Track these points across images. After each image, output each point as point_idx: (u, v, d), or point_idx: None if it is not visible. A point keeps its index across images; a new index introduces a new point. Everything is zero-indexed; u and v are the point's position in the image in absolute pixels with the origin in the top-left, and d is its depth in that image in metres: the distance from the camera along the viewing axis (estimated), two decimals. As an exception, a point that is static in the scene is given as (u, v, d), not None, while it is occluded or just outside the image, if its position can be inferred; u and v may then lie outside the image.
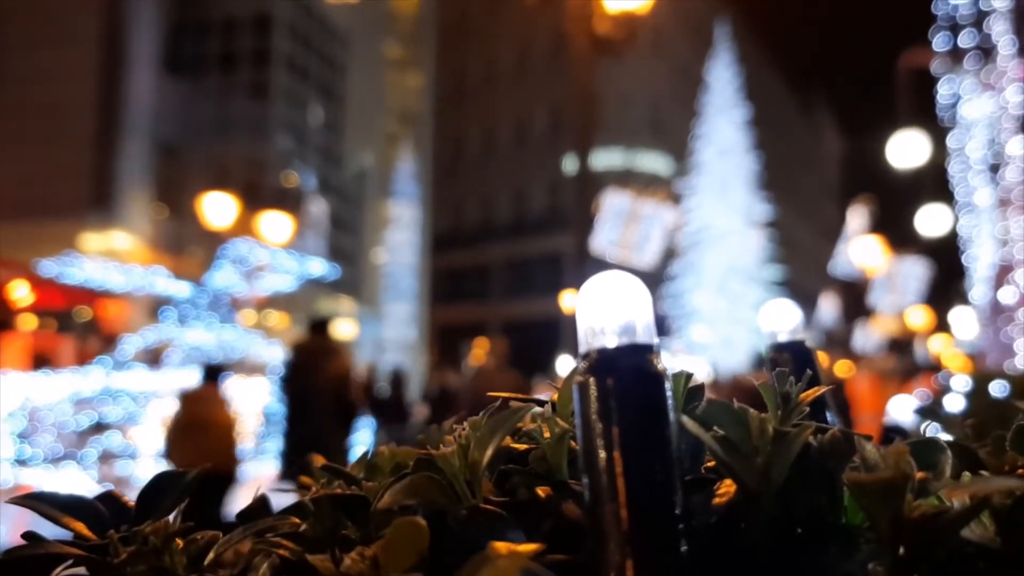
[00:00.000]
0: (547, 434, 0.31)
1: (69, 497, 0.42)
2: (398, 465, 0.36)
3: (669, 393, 0.26)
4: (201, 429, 5.10)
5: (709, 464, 0.29)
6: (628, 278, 0.29)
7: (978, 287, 13.48)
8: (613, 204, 13.24)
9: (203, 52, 21.42)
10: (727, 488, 0.28)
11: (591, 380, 0.28)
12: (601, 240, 12.80)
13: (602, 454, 0.26)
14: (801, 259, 42.66)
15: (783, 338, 0.46)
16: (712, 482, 0.28)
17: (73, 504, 0.42)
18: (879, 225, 21.36)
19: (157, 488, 0.40)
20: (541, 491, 0.29)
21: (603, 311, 0.28)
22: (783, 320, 0.47)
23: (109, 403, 9.00)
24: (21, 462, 7.93)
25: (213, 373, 5.51)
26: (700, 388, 0.31)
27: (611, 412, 0.26)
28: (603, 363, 0.27)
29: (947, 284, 30.41)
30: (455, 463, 0.31)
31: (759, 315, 0.45)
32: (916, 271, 18.98)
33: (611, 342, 0.27)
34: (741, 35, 40.11)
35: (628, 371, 0.27)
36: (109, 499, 0.43)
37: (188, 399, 5.36)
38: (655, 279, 28.20)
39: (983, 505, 0.29)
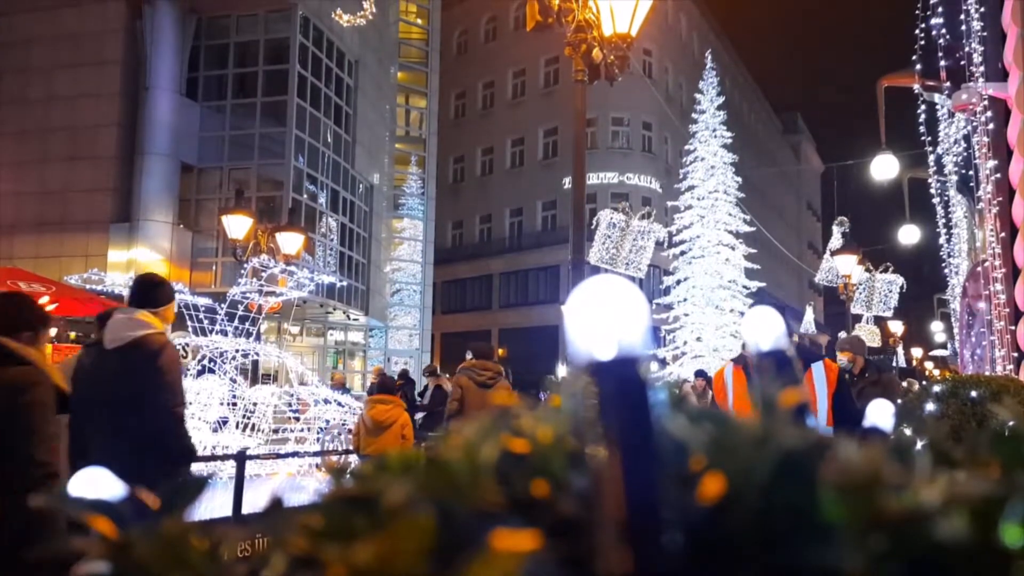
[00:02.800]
0: (545, 435, 0.31)
1: (93, 498, 0.42)
2: (407, 464, 0.36)
3: (657, 398, 0.27)
4: (381, 427, 6.14)
5: (696, 465, 0.30)
6: (620, 283, 0.29)
7: (955, 297, 13.49)
8: (607, 220, 13.28)
9: (221, 76, 21.47)
10: (712, 486, 0.28)
11: (585, 386, 0.28)
12: (596, 254, 12.83)
13: (595, 455, 0.26)
14: (785, 271, 42.69)
15: (766, 346, 0.46)
16: (698, 481, 0.28)
17: (96, 505, 0.42)
18: (860, 238, 21.40)
19: (178, 489, 0.40)
20: (540, 488, 0.29)
21: (594, 317, 0.28)
22: (766, 329, 0.47)
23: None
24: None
25: (387, 384, 6.76)
26: (688, 394, 0.31)
27: (602, 417, 0.27)
28: (594, 370, 0.28)
29: (925, 294, 30.45)
30: (460, 462, 0.31)
31: (743, 324, 0.45)
32: (895, 283, 19.00)
33: (601, 349, 0.28)
34: (727, 61, 40.30)
35: (618, 379, 0.27)
36: (132, 500, 0.43)
37: (371, 404, 6.43)
38: (646, 291, 28.19)
39: (957, 504, 0.29)
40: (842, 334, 20.15)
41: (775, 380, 0.42)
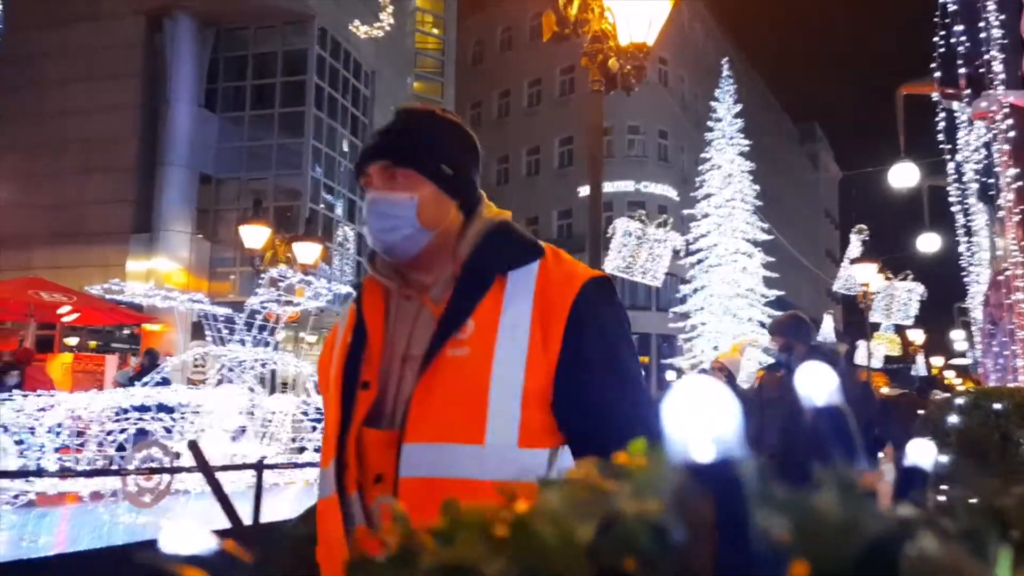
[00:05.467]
0: (632, 506, 0.32)
1: (187, 553, 0.44)
2: (481, 523, 0.37)
3: (749, 492, 0.29)
4: None
5: (781, 548, 0.31)
6: (711, 384, 0.31)
7: (976, 306, 13.35)
8: (623, 228, 13.27)
9: (239, 87, 21.69)
10: (798, 571, 0.29)
11: (682, 483, 0.30)
12: (612, 262, 12.81)
13: (690, 544, 0.28)
14: (802, 280, 42.39)
15: (820, 402, 0.47)
16: (786, 565, 0.29)
17: (191, 559, 0.44)
18: (878, 247, 21.23)
19: (272, 541, 0.42)
20: (629, 565, 0.31)
21: (692, 420, 0.30)
22: (819, 383, 0.48)
23: (151, 417, 9.07)
24: (64, 473, 7.98)
25: None
26: (772, 484, 0.33)
27: (698, 512, 0.29)
28: (694, 472, 0.30)
29: (946, 304, 30.13)
30: (551, 533, 0.32)
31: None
32: (915, 291, 18.81)
33: (699, 451, 0.30)
34: (743, 69, 40.20)
35: (715, 481, 0.29)
36: (223, 553, 0.45)
37: None
38: (663, 300, 28.06)
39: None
40: (860, 342, 19.94)
41: (834, 444, 0.44)
